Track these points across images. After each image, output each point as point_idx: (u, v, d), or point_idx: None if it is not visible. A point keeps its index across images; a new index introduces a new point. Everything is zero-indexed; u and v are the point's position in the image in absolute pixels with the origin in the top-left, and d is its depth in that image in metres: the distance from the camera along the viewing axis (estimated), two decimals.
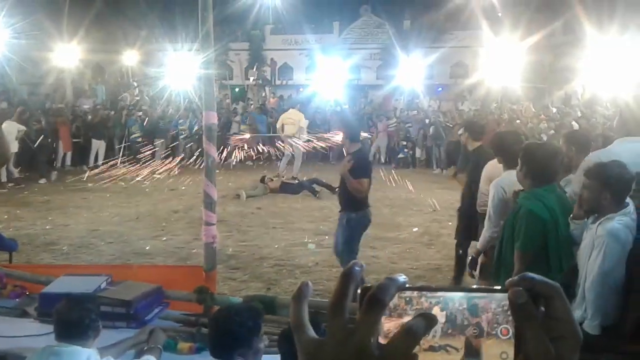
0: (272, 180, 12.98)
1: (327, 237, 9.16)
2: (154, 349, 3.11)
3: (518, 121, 15.49)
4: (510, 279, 0.55)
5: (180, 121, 17.69)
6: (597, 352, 2.94)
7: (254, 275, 7.23)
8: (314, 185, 12.67)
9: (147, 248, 8.45)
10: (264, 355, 3.10)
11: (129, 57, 25.12)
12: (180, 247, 8.41)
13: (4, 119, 11.99)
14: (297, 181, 13.44)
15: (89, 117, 17.41)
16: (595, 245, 3.20)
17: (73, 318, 2.78)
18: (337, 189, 12.61)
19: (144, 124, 17.45)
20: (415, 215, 10.44)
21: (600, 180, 3.21)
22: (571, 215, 3.46)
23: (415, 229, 9.44)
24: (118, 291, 3.84)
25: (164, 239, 9.00)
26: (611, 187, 3.19)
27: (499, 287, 0.55)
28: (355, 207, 6.05)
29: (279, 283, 6.92)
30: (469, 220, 5.78)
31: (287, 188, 12.73)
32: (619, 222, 3.18)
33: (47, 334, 3.22)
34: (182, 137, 17.36)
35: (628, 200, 3.26)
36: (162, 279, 4.28)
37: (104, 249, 8.41)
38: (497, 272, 3.84)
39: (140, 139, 17.04)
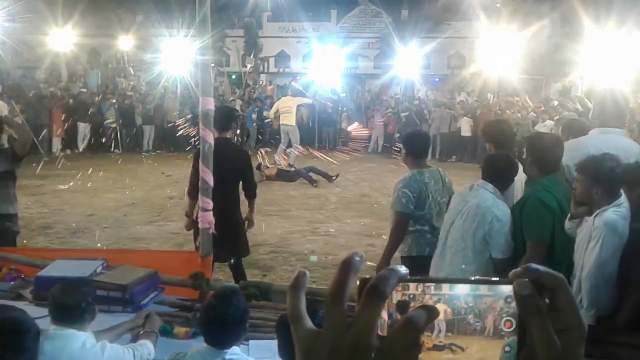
0: (268, 167, 12.96)
1: (323, 225, 9.18)
2: (150, 333, 3.11)
3: (519, 114, 15.55)
4: (514, 270, 0.53)
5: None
6: (592, 343, 2.94)
7: (249, 262, 7.18)
8: (311, 174, 12.65)
9: (143, 233, 8.44)
10: (263, 341, 3.11)
11: (125, 42, 24.93)
12: (175, 233, 8.39)
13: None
14: (293, 169, 13.42)
15: (70, 100, 17.20)
16: (593, 237, 3.19)
17: (69, 302, 2.76)
18: (334, 178, 12.73)
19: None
20: None
21: (590, 175, 3.23)
22: (569, 215, 3.45)
23: None
24: (114, 275, 3.81)
25: (160, 224, 8.98)
26: (601, 181, 3.20)
27: (503, 279, 0.54)
28: None
29: (274, 270, 6.93)
30: None
31: (284, 175, 12.71)
32: (615, 212, 3.17)
33: (43, 317, 3.20)
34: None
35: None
36: (158, 264, 4.23)
37: (100, 233, 8.39)
38: None
39: (114, 125, 16.94)
